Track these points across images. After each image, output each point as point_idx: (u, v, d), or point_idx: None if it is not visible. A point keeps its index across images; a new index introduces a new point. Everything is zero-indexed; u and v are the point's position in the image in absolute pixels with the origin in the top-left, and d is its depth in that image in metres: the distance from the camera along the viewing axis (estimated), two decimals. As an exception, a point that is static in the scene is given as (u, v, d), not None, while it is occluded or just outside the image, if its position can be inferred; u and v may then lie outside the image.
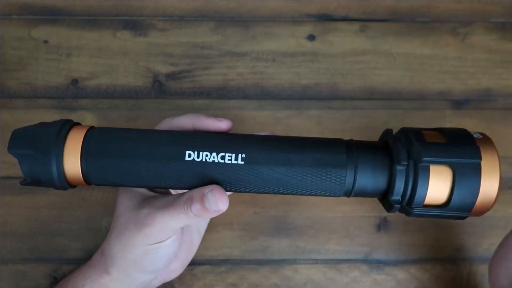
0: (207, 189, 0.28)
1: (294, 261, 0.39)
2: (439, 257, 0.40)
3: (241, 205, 0.40)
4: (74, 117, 0.41)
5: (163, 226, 0.29)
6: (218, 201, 0.28)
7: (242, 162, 0.29)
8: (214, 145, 0.29)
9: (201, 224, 0.38)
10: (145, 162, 0.29)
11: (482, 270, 0.40)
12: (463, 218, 0.29)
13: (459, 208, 0.28)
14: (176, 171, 0.29)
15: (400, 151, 0.28)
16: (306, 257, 0.39)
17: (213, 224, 0.39)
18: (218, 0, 0.43)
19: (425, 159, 0.27)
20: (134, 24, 0.42)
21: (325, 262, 0.39)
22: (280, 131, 0.41)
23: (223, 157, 0.29)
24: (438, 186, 0.28)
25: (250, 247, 0.40)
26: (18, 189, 0.40)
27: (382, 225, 0.40)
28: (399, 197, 0.28)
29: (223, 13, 0.43)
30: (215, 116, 0.31)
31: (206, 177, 0.29)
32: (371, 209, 0.40)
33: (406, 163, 0.28)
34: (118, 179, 0.29)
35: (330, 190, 0.29)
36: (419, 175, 0.28)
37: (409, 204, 0.28)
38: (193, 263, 0.39)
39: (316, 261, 0.39)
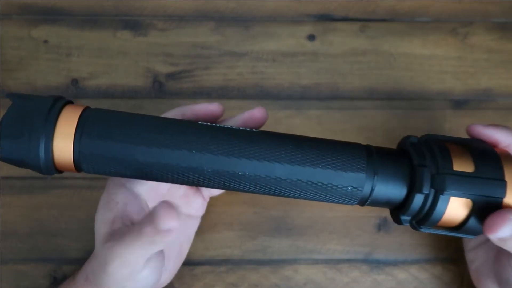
0: (156, 208, 0.24)
1: (294, 261, 0.39)
2: (439, 257, 0.40)
3: (241, 205, 0.40)
4: (74, 117, 0.41)
5: (123, 261, 0.26)
6: (166, 216, 0.23)
7: (257, 132, 0.27)
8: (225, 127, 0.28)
9: (191, 229, 0.36)
10: (147, 149, 0.26)
11: (482, 270, 0.40)
12: (472, 237, 0.28)
13: (471, 231, 0.27)
14: (180, 161, 0.26)
15: (424, 178, 0.26)
16: (306, 257, 0.39)
17: (213, 224, 0.39)
18: (218, 0, 0.43)
19: (448, 191, 0.26)
20: (134, 24, 0.42)
21: (325, 262, 0.39)
22: (280, 131, 0.41)
23: (237, 127, 0.28)
24: (454, 214, 0.27)
25: (250, 247, 0.40)
26: (18, 189, 0.40)
27: (382, 225, 0.40)
28: (410, 217, 0.28)
29: (223, 13, 0.43)
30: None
31: (216, 140, 0.26)
32: (371, 209, 0.40)
33: (427, 192, 0.27)
34: (113, 166, 0.26)
35: (345, 198, 0.28)
36: (437, 204, 0.26)
37: (419, 223, 0.28)
38: (193, 263, 0.39)
39: (316, 261, 0.39)
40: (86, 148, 0.26)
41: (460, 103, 0.42)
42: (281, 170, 0.27)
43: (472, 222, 0.27)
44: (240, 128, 0.28)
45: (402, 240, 0.40)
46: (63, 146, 0.26)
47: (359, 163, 0.27)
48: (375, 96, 0.42)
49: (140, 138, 0.26)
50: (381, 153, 0.28)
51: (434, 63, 0.42)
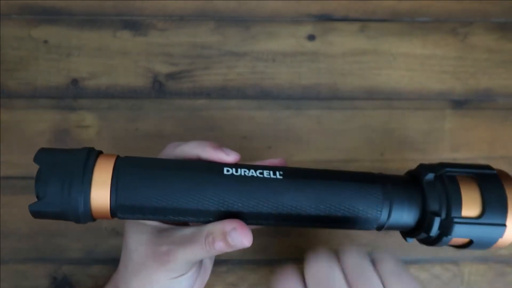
0: (228, 226, 0.27)
1: (294, 261, 0.39)
2: (439, 257, 0.40)
3: (241, 205, 0.40)
4: (74, 117, 0.41)
5: (185, 262, 0.29)
6: (243, 239, 0.28)
7: (281, 177, 0.28)
8: (250, 166, 0.29)
9: None
10: (182, 181, 0.27)
11: (482, 270, 0.40)
12: (500, 234, 0.30)
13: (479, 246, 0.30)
14: (215, 186, 0.28)
15: (433, 224, 0.29)
16: (306, 257, 0.39)
17: (213, 224, 0.39)
18: (218, 0, 0.43)
19: (452, 236, 0.29)
20: (134, 24, 0.42)
21: (325, 262, 0.39)
22: (280, 131, 0.41)
23: (261, 173, 0.28)
24: (455, 242, 0.30)
25: (250, 247, 0.39)
26: (18, 189, 0.40)
27: (382, 225, 0.40)
28: (437, 209, 0.30)
29: (223, 13, 0.43)
30: (221, 147, 0.30)
31: (246, 192, 0.28)
32: (371, 209, 0.40)
33: (434, 235, 0.29)
34: (151, 209, 0.28)
35: (365, 215, 0.29)
36: (442, 239, 0.29)
37: (448, 217, 0.29)
38: (193, 263, 0.39)
39: (316, 261, 0.39)
40: (123, 198, 0.27)
41: (460, 103, 0.42)
42: (309, 210, 0.29)
43: (472, 246, 0.30)
44: (265, 175, 0.29)
45: (402, 240, 0.40)
46: (100, 196, 0.27)
47: (376, 197, 0.29)
48: (375, 96, 0.42)
49: (173, 187, 0.27)
50: (396, 184, 0.30)
51: (434, 63, 0.42)
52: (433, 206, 0.29)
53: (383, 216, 0.29)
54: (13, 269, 0.39)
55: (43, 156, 0.27)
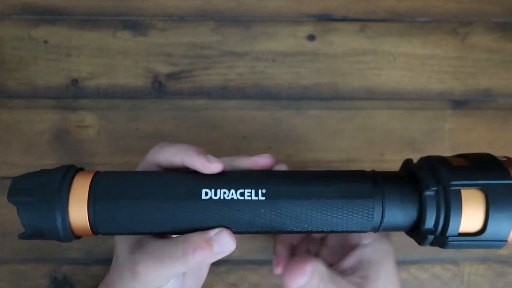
0: (211, 232, 0.27)
1: (294, 261, 0.39)
2: (439, 257, 0.40)
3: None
4: (74, 117, 0.41)
5: (158, 276, 0.28)
6: (229, 241, 0.27)
7: (263, 198, 0.27)
8: (232, 181, 0.27)
9: None
10: (159, 203, 0.27)
11: (482, 270, 0.40)
12: (499, 246, 0.28)
13: (496, 233, 0.27)
14: (193, 212, 0.27)
15: (427, 177, 0.27)
16: (306, 257, 0.39)
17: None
18: (218, 0, 0.43)
19: (455, 182, 0.27)
20: (134, 24, 0.42)
21: (325, 262, 0.39)
22: (280, 131, 0.41)
23: (242, 194, 0.27)
24: (471, 211, 0.27)
25: (250, 247, 0.40)
26: (18, 189, 0.40)
27: (382, 225, 0.40)
28: (431, 226, 0.27)
29: (223, 13, 0.43)
30: (206, 153, 0.29)
31: (225, 217, 0.27)
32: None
33: (435, 188, 0.27)
34: (129, 226, 0.27)
35: (357, 225, 0.28)
36: (451, 201, 0.26)
37: (443, 234, 0.27)
38: (193, 263, 0.39)
39: (316, 261, 0.39)
40: (100, 212, 0.27)
41: (460, 103, 0.42)
42: (289, 205, 0.27)
43: (494, 216, 0.27)
44: (246, 197, 0.27)
45: (402, 240, 0.40)
46: (78, 212, 0.26)
47: (364, 188, 0.27)
48: (375, 96, 0.42)
49: (150, 194, 0.27)
50: (386, 176, 0.28)
51: (434, 63, 0.42)
52: (429, 222, 0.27)
53: (375, 223, 0.28)
54: (13, 269, 0.39)
55: (18, 184, 0.27)
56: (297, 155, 0.41)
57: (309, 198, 0.27)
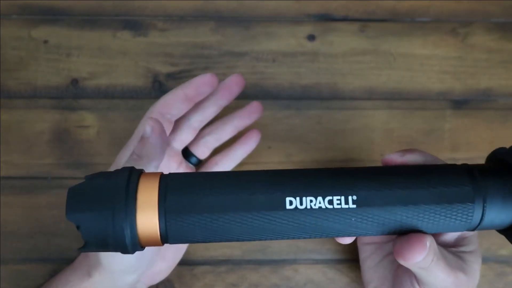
0: None
1: (294, 261, 0.39)
2: (439, 257, 0.40)
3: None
4: (74, 117, 0.41)
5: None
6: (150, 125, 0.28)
7: (354, 206, 0.24)
8: (317, 186, 0.24)
9: None
10: (238, 215, 0.24)
11: (482, 270, 0.40)
12: None
13: None
14: (276, 223, 0.24)
15: None
16: (306, 257, 0.39)
17: (213, 224, 0.39)
18: (218, 0, 0.43)
19: None
20: (134, 24, 0.42)
21: (325, 262, 0.39)
22: (280, 131, 0.41)
23: (330, 202, 0.24)
24: None
25: (250, 247, 0.40)
26: (18, 189, 0.40)
27: (382, 225, 0.40)
28: None
29: (223, 13, 0.43)
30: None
31: (312, 227, 0.24)
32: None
33: None
34: (203, 236, 0.24)
35: (453, 228, 0.26)
36: None
37: None
38: (193, 263, 0.39)
39: (316, 261, 0.39)
40: (172, 222, 0.24)
41: (460, 103, 0.42)
42: (383, 212, 0.25)
43: None
44: (335, 206, 0.24)
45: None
46: (148, 222, 0.24)
47: (465, 190, 0.25)
48: (375, 96, 0.42)
49: (227, 204, 0.24)
50: (485, 173, 0.26)
51: (434, 63, 0.42)
52: None
53: (472, 225, 0.26)
54: (13, 269, 0.39)
55: (76, 196, 0.24)
56: (297, 155, 0.41)
57: (405, 204, 0.24)
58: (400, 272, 0.31)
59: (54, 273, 0.39)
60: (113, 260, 0.29)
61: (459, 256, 0.30)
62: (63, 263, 0.39)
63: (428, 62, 0.42)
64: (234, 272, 0.39)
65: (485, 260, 0.40)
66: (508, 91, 0.42)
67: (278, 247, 0.39)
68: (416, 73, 0.42)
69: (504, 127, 0.41)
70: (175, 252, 0.36)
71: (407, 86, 0.42)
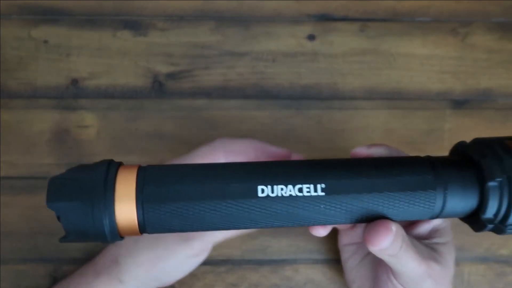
0: None
1: (294, 261, 0.39)
2: (439, 257, 0.40)
3: (241, 205, 0.40)
4: (74, 117, 0.41)
5: (210, 243, 0.30)
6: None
7: (323, 193, 0.25)
8: (288, 175, 0.26)
9: None
10: (213, 203, 0.25)
11: (482, 270, 0.40)
12: None
13: None
14: (250, 211, 0.25)
15: (492, 166, 0.26)
16: (306, 257, 0.39)
17: (213, 224, 0.39)
18: (218, 0, 0.43)
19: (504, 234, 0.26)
20: (134, 24, 0.42)
21: (325, 262, 0.39)
22: (280, 131, 0.41)
23: (300, 189, 0.25)
24: None
25: (250, 247, 0.40)
26: (18, 189, 0.40)
27: (382, 225, 0.40)
28: (492, 216, 0.27)
29: (223, 13, 0.43)
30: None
31: (283, 214, 0.26)
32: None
33: (500, 179, 0.26)
34: (180, 226, 0.25)
35: (416, 215, 0.27)
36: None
37: (503, 222, 0.27)
38: (193, 263, 0.39)
39: (316, 261, 0.39)
40: (150, 211, 0.25)
41: (460, 103, 0.42)
42: (350, 199, 0.26)
43: None
44: (305, 193, 0.26)
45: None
46: (126, 212, 0.24)
47: (427, 179, 0.26)
48: (375, 96, 0.42)
49: (202, 192, 0.25)
50: (446, 163, 0.27)
51: (434, 63, 0.42)
52: (490, 212, 0.26)
53: (434, 212, 0.27)
54: (13, 269, 0.39)
55: (56, 187, 0.25)
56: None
57: (370, 192, 0.26)
58: (378, 268, 0.32)
59: (54, 273, 0.39)
60: (150, 272, 0.31)
61: (432, 247, 0.30)
62: (63, 263, 0.39)
63: (428, 62, 0.42)
64: (234, 272, 0.39)
65: (485, 260, 0.40)
66: (508, 91, 0.42)
67: (278, 247, 0.39)
68: (416, 73, 0.42)
69: (504, 127, 0.41)
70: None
71: (407, 86, 0.42)
